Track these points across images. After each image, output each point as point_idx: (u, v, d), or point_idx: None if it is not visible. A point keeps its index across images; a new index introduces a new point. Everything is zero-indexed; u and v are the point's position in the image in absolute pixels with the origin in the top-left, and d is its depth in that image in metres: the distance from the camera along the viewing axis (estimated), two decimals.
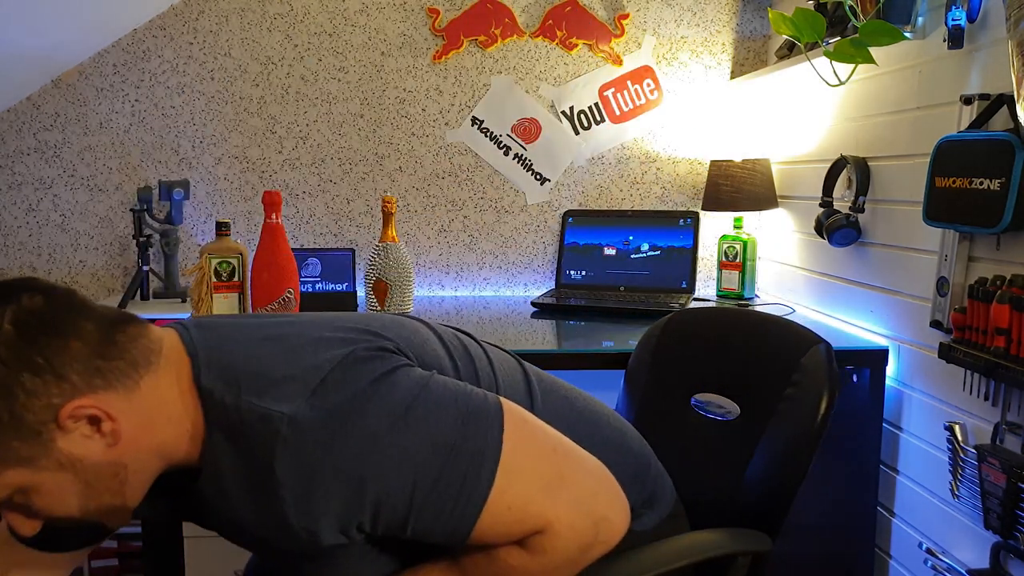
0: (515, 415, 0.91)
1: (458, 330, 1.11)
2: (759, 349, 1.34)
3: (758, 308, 2.21)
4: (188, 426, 0.87)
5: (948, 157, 1.46)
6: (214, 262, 1.83)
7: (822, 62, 1.77)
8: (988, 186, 1.36)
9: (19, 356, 0.77)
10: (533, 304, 2.22)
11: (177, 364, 0.88)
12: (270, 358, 0.89)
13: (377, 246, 2.03)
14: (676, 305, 2.10)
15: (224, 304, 1.84)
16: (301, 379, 0.86)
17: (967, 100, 1.47)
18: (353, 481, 0.83)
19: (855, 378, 1.79)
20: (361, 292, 2.33)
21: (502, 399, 0.93)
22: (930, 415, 1.64)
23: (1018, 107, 1.27)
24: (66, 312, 0.82)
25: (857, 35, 1.59)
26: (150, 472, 0.88)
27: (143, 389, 0.85)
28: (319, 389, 0.85)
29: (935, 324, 1.55)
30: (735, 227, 2.35)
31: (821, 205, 1.97)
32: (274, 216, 1.83)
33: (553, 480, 0.89)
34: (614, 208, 2.51)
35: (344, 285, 2.26)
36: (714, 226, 2.50)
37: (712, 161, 2.41)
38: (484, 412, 0.89)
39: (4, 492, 0.80)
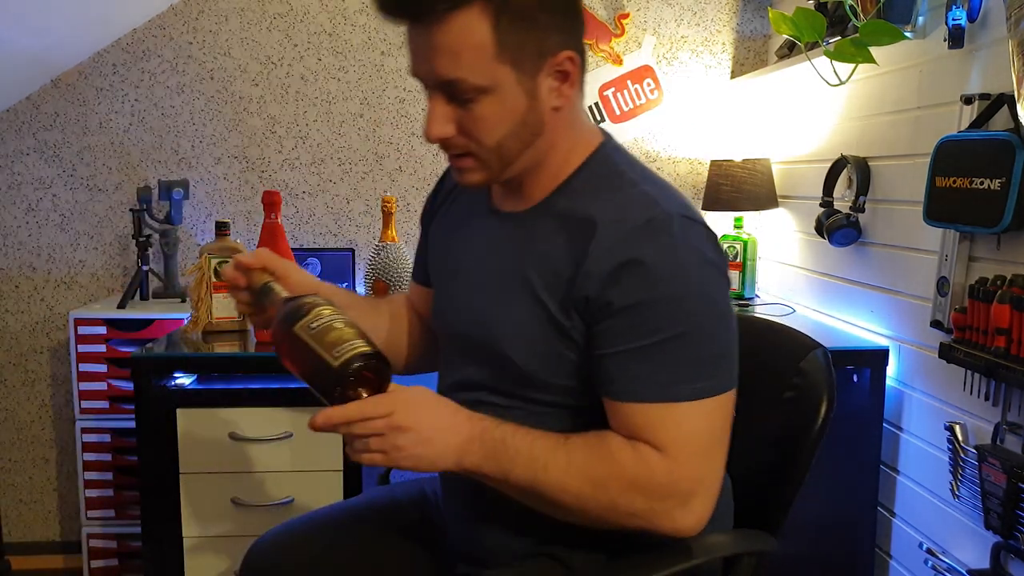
0: (733, 394, 0.97)
1: None
2: (754, 354, 1.33)
3: (758, 308, 2.21)
4: (567, 156, 1.01)
5: (948, 157, 1.46)
6: (214, 262, 1.83)
7: (822, 62, 1.77)
8: (988, 186, 1.35)
9: None
10: None
11: (590, 128, 1.05)
12: (658, 184, 1.01)
13: (377, 246, 2.03)
14: None
15: (224, 304, 1.84)
16: (679, 206, 0.97)
17: (967, 100, 1.46)
18: (650, 280, 0.90)
19: (855, 378, 1.79)
20: (361, 292, 2.33)
21: None
22: (930, 415, 1.63)
23: (1018, 107, 1.27)
24: None
25: (857, 35, 1.59)
26: (527, 162, 0.98)
27: (574, 104, 1.00)
28: (688, 222, 0.95)
29: (935, 324, 1.55)
30: (735, 227, 2.34)
31: (821, 205, 1.97)
32: (274, 216, 1.83)
33: (706, 449, 0.95)
34: None
35: (344, 285, 2.26)
36: (714, 226, 2.47)
37: (712, 161, 2.40)
38: (734, 364, 0.97)
39: (486, 80, 0.90)
